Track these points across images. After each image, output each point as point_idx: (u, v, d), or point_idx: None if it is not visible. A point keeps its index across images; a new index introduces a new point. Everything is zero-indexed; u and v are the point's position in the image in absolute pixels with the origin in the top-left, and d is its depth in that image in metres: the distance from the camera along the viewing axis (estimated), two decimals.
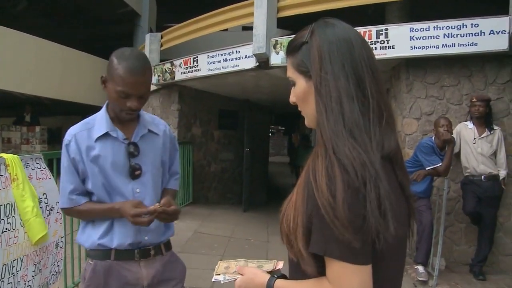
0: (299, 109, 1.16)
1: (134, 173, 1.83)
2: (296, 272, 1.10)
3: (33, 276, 2.47)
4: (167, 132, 2.02)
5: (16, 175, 2.37)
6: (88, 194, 1.85)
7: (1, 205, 2.25)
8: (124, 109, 1.77)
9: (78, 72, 9.96)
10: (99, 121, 1.86)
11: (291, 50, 1.13)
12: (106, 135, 1.83)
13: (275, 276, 1.16)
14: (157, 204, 1.78)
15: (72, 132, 1.85)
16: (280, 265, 1.29)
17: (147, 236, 1.86)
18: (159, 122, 2.03)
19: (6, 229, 2.27)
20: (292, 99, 1.16)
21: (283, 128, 27.64)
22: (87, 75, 9.79)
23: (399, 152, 1.10)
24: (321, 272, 1.00)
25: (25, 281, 2.38)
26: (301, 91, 1.11)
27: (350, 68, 1.02)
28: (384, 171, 0.96)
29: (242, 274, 1.23)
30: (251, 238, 6.77)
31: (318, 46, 1.05)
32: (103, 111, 1.89)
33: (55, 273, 2.75)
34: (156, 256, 1.90)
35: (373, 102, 1.02)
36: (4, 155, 2.37)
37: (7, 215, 2.28)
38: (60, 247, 2.78)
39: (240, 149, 9.52)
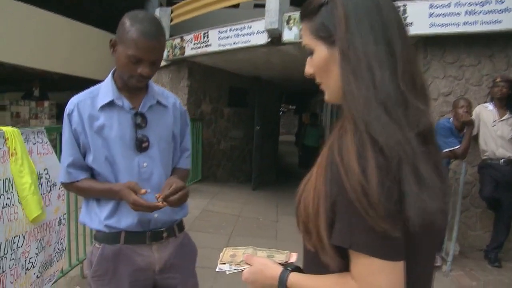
0: (317, 81, 1.01)
1: (141, 145, 1.70)
2: (313, 264, 0.97)
3: (36, 254, 2.39)
4: (177, 105, 1.88)
5: (15, 149, 2.26)
6: (89, 169, 1.73)
7: (0, 180, 2.15)
8: (134, 75, 1.63)
9: (88, 47, 9.81)
10: (104, 89, 1.72)
11: (308, 13, 0.98)
12: (111, 104, 1.69)
13: (289, 268, 1.03)
14: (158, 195, 1.64)
15: (75, 101, 1.71)
16: (294, 257, 1.17)
17: (157, 213, 1.72)
18: (168, 94, 1.89)
19: (6, 204, 2.18)
20: (309, 70, 1.01)
21: (294, 107, 27.37)
22: (97, 50, 9.65)
23: (433, 129, 0.96)
24: (343, 266, 0.87)
25: (26, 258, 2.30)
26: (321, 60, 0.96)
27: (380, 31, 0.88)
28: (420, 150, 0.83)
29: (250, 265, 1.11)
30: (260, 217, 6.69)
31: (343, 5, 0.90)
32: (108, 78, 1.74)
33: (58, 251, 2.67)
34: (169, 238, 1.79)
35: (405, 70, 0.87)
36: (3, 128, 2.26)
37: (6, 190, 2.18)
38: (63, 224, 2.69)
39: (250, 127, 9.39)
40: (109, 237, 1.70)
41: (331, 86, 0.97)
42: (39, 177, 2.49)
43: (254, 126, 9.12)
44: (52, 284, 2.70)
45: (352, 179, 0.80)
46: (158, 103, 1.78)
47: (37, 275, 2.42)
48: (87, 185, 1.71)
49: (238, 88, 9.30)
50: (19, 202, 2.29)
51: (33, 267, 2.38)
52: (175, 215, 1.81)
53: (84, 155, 1.71)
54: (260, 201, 7.90)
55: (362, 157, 0.80)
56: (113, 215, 1.70)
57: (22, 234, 2.26)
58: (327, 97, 1.01)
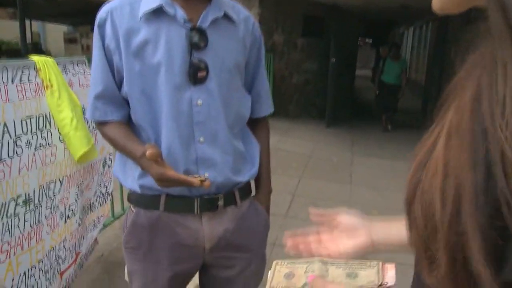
0: None
1: (196, 74, 1.21)
2: None
3: (75, 200, 2.12)
4: (250, 22, 1.36)
5: (50, 81, 1.93)
6: (125, 108, 1.28)
7: (32, 117, 1.84)
8: None
9: None
10: None
11: None
12: (158, 12, 1.20)
13: None
14: (199, 176, 1.19)
15: (108, 8, 1.23)
16: (391, 274, 0.72)
17: (211, 172, 1.27)
18: (240, 8, 1.36)
19: (41, 145, 1.88)
20: None
21: (370, 40, 25.85)
22: None
23: None
24: None
25: (65, 205, 2.04)
26: None
27: None
28: None
29: None
30: (334, 157, 6.23)
31: None
32: None
33: (101, 195, 2.40)
34: (226, 208, 1.33)
35: None
36: (34, 57, 1.92)
37: (40, 128, 1.88)
38: (109, 166, 2.40)
39: (325, 60, 8.70)
40: (145, 200, 1.31)
41: None
42: (83, 111, 2.17)
43: (330, 59, 8.44)
44: (101, 230, 2.46)
45: None
46: (226, 16, 1.27)
47: (79, 223, 2.17)
48: (112, 135, 1.29)
49: (313, 16, 8.55)
50: (60, 141, 2.00)
51: (74, 215, 2.12)
52: (237, 175, 1.34)
53: (120, 85, 1.26)
54: (334, 140, 7.41)
55: None
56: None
57: (60, 179, 1.98)
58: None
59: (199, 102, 1.23)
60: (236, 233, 1.35)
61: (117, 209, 3.02)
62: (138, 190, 1.29)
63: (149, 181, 1.23)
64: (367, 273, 0.77)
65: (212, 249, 1.34)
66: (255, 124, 1.46)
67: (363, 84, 16.24)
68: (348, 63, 10.20)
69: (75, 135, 2.00)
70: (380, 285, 0.72)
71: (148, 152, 1.09)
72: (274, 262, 0.85)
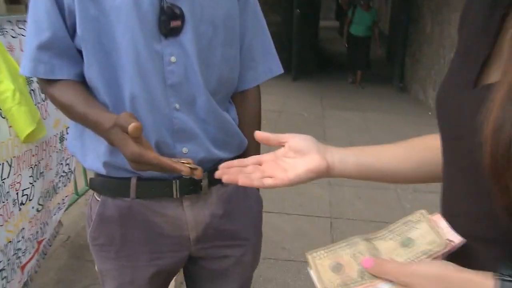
0: None
1: (168, 23, 0.93)
2: None
3: (31, 183, 1.82)
4: None
5: None
6: (79, 63, 0.97)
7: None
8: None
9: None
10: None
11: None
12: None
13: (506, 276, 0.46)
14: (188, 161, 0.89)
15: None
16: (443, 223, 0.59)
17: (188, 145, 1.01)
18: None
19: None
20: None
21: None
22: None
23: None
24: None
25: (17, 191, 1.73)
26: None
27: None
28: None
29: (390, 281, 0.54)
30: (304, 112, 6.04)
31: None
32: None
33: (64, 174, 2.10)
34: (211, 189, 1.08)
35: None
36: None
37: None
38: (67, 140, 2.10)
39: (289, 11, 8.35)
40: (112, 185, 1.04)
41: None
42: (29, 81, 1.84)
43: (294, 10, 8.09)
44: (65, 210, 2.18)
45: None
46: None
47: (38, 209, 1.88)
48: (65, 99, 0.97)
49: None
50: (2, 117, 1.67)
51: (30, 200, 1.82)
52: (222, 150, 1.07)
53: (72, 32, 0.95)
54: (303, 93, 7.20)
55: None
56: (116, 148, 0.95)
57: (8, 161, 1.67)
58: None
59: (172, 59, 0.95)
60: (225, 218, 1.10)
61: (81, 185, 2.72)
62: (102, 170, 1.01)
63: (118, 159, 0.96)
64: (421, 232, 0.60)
65: (198, 239, 1.09)
66: (245, 93, 1.17)
67: (328, 36, 15.96)
68: (311, 14, 9.86)
69: (19, 111, 1.68)
70: (445, 246, 0.56)
71: (131, 126, 0.81)
72: (309, 256, 0.64)
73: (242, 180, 0.68)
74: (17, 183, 1.73)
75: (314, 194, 3.54)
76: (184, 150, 1.00)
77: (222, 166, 0.72)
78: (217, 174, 0.69)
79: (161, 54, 0.95)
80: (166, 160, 0.85)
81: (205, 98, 1.00)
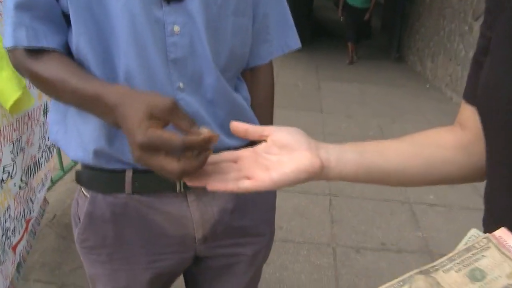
0: None
1: None
2: None
3: (12, 159, 1.65)
4: None
5: None
6: (65, 31, 0.80)
7: None
8: None
9: None
10: None
11: None
12: None
13: None
14: (204, 129, 0.62)
15: None
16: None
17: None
18: None
19: None
20: None
21: None
22: None
23: None
24: None
25: None
26: None
27: None
28: None
29: None
30: (299, 83, 5.86)
31: None
32: None
33: (46, 149, 1.94)
34: None
35: None
36: None
37: None
38: (48, 126, 1.93)
39: None
40: (102, 179, 0.87)
41: None
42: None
43: None
44: (50, 187, 2.02)
45: None
46: None
47: (20, 186, 1.72)
48: (57, 74, 0.76)
49: None
50: None
51: (11, 177, 1.67)
52: (232, 137, 0.76)
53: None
54: (298, 63, 7.00)
55: None
56: (110, 133, 0.82)
57: None
58: None
59: (176, 29, 0.78)
60: (236, 213, 0.95)
61: (67, 160, 2.55)
62: (90, 160, 0.84)
63: (113, 146, 0.81)
64: (492, 261, 0.48)
65: (206, 238, 0.93)
66: (257, 69, 1.00)
67: (323, 4, 15.60)
68: None
69: (0, 77, 1.50)
70: None
71: (208, 134, 0.58)
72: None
73: (211, 185, 0.54)
74: None
75: None
76: None
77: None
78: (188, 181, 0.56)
79: (162, 23, 0.77)
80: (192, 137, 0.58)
81: (214, 76, 0.83)
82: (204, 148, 0.58)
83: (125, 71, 0.77)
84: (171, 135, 0.57)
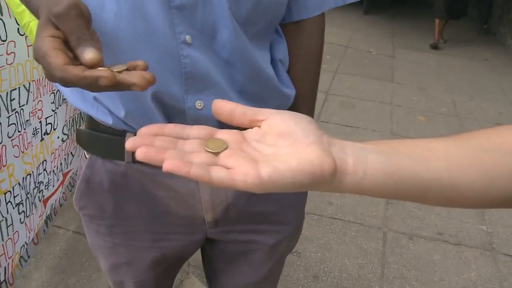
0: None
1: None
2: None
3: (53, 110, 1.63)
4: None
5: None
6: None
7: None
8: None
9: None
10: None
11: None
12: None
13: None
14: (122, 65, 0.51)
15: None
16: None
17: (203, 95, 0.67)
18: None
19: None
20: None
21: None
22: None
23: None
24: None
25: (39, 119, 1.56)
26: None
27: None
28: None
29: None
30: (372, 49, 5.53)
31: None
32: None
33: None
34: None
35: None
36: None
37: None
38: None
39: None
40: (101, 141, 0.76)
41: None
42: None
43: None
44: None
45: None
46: None
47: (63, 138, 1.71)
48: None
49: None
50: (20, 34, 1.46)
51: (54, 129, 1.65)
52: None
53: None
54: (373, 28, 6.61)
55: None
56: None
57: (25, 86, 1.47)
58: None
59: None
60: (255, 197, 0.80)
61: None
62: (87, 109, 0.73)
63: (114, 102, 0.69)
64: None
65: (217, 222, 0.82)
66: (303, 24, 0.81)
67: None
68: None
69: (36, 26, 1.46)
70: None
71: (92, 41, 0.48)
72: None
73: (170, 163, 0.36)
74: (39, 110, 1.55)
75: None
76: (199, 104, 0.68)
77: (141, 131, 0.40)
78: (128, 144, 0.38)
79: None
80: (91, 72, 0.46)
81: (230, 29, 0.65)
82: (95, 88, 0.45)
83: (114, 15, 0.61)
84: (53, 56, 0.45)
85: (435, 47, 5.83)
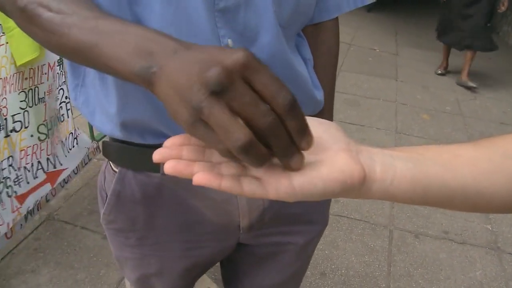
0: None
1: None
2: None
3: (22, 108, 1.60)
4: None
5: None
6: None
7: None
8: None
9: None
10: None
11: None
12: None
13: None
14: None
15: None
16: None
17: None
18: None
19: None
20: None
21: None
22: None
23: None
24: None
25: (4, 116, 1.55)
26: None
27: None
28: None
29: None
30: (376, 47, 5.53)
31: None
32: None
33: (68, 100, 1.90)
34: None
35: None
36: None
37: None
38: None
39: None
40: (134, 154, 0.73)
41: None
42: None
43: None
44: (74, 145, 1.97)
45: None
46: None
47: (39, 137, 1.70)
48: (65, 21, 0.47)
49: None
50: (2, 32, 1.50)
51: (25, 127, 1.63)
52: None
53: None
54: (376, 26, 6.59)
55: None
56: (137, 98, 0.65)
57: None
58: None
59: None
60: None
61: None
62: (118, 133, 0.70)
63: (142, 113, 0.65)
64: None
65: (251, 227, 0.80)
66: (321, 26, 0.82)
67: None
68: None
69: (20, 35, 1.49)
70: None
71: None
72: None
73: (200, 177, 0.35)
74: (3, 107, 1.54)
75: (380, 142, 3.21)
76: None
77: (167, 142, 0.39)
78: (155, 156, 0.38)
79: None
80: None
81: (273, 33, 0.64)
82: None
83: (156, 22, 0.58)
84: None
85: (443, 73, 4.82)
